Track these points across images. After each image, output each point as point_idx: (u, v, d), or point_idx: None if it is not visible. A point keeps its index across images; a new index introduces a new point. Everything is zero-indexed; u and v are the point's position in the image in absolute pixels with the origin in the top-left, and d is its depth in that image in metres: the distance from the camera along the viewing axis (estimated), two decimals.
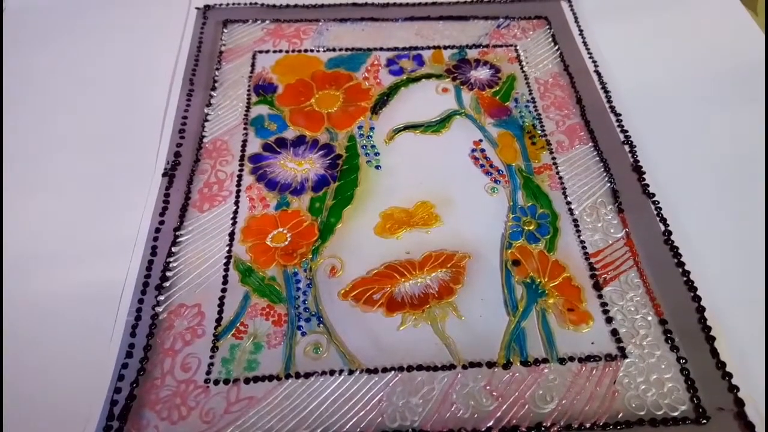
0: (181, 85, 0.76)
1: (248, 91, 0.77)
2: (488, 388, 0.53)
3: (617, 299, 0.59)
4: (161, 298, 0.57)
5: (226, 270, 0.59)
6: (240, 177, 0.67)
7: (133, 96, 0.75)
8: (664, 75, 0.80)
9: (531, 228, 0.64)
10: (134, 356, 0.53)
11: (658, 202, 0.65)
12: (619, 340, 0.56)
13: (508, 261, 0.61)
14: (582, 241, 0.63)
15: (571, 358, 0.55)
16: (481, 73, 0.80)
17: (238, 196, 0.65)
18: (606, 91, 0.77)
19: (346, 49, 0.83)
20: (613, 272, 0.61)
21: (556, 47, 0.84)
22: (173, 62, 0.79)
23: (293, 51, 0.82)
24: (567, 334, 0.56)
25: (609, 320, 0.57)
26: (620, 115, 0.74)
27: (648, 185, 0.67)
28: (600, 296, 0.59)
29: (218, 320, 0.56)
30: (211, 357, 0.54)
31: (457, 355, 0.55)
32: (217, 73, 0.79)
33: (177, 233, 0.62)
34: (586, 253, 0.62)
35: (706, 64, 0.81)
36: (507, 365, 0.54)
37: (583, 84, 0.79)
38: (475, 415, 0.51)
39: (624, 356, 0.55)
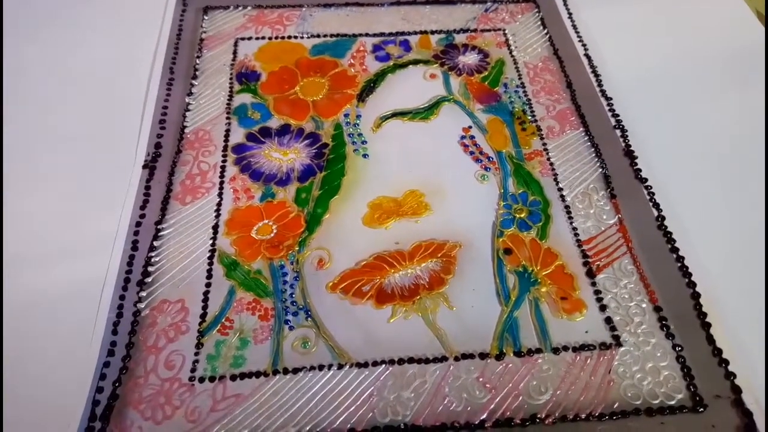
0: (160, 74, 0.74)
1: (230, 79, 0.75)
2: (481, 380, 0.52)
3: (611, 286, 0.58)
4: (143, 294, 0.56)
5: (210, 264, 0.58)
6: (223, 168, 0.66)
7: (112, 86, 0.73)
8: (656, 58, 0.79)
9: (522, 215, 0.63)
10: (116, 354, 0.52)
11: (651, 187, 0.64)
12: (613, 329, 0.55)
13: (500, 250, 0.60)
14: (574, 228, 0.62)
15: (565, 348, 0.54)
16: (470, 58, 0.79)
17: (221, 188, 0.64)
18: (596, 75, 0.76)
19: (331, 35, 0.81)
20: (606, 259, 0.60)
21: (545, 31, 0.83)
22: (152, 50, 0.77)
23: (276, 38, 0.81)
24: (560, 323, 0.55)
25: (603, 308, 0.56)
26: (611, 99, 0.73)
27: (640, 170, 0.66)
28: (593, 284, 0.58)
29: (203, 316, 0.55)
30: (196, 354, 0.52)
31: (449, 346, 0.54)
32: (198, 62, 0.77)
33: (159, 227, 0.60)
34: (578, 240, 0.61)
35: (698, 47, 0.80)
36: (500, 356, 0.53)
37: (573, 68, 0.78)
38: (469, 408, 0.50)
39: (619, 345, 0.54)
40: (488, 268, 0.59)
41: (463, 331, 0.54)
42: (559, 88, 0.76)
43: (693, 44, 0.80)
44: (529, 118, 0.72)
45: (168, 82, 0.73)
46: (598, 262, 0.59)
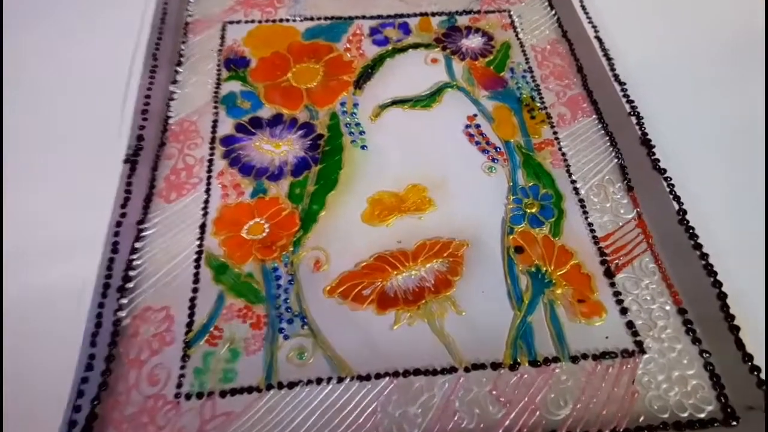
0: (143, 61, 0.69)
1: (218, 66, 0.72)
2: (494, 392, 0.48)
3: (631, 287, 0.54)
4: (124, 301, 0.52)
5: (197, 267, 0.55)
6: (211, 162, 0.63)
7: (90, 74, 0.68)
8: (672, 39, 0.75)
9: (533, 210, 0.59)
10: (95, 369, 0.48)
11: (670, 179, 0.60)
12: (635, 334, 0.52)
13: (510, 248, 0.56)
14: (590, 224, 0.59)
15: (585, 356, 0.50)
16: (473, 42, 0.75)
17: (209, 184, 0.61)
18: (608, 59, 0.71)
19: (325, 18, 0.78)
20: (625, 257, 0.56)
21: (553, 12, 0.79)
22: (134, 35, 0.72)
23: (267, 21, 0.77)
24: (578, 328, 0.52)
25: (623, 311, 0.53)
26: (625, 84, 0.68)
27: (658, 160, 0.61)
28: (612, 284, 0.55)
29: (189, 325, 0.52)
30: (182, 368, 0.49)
31: (459, 356, 0.50)
32: (183, 47, 0.74)
33: (141, 227, 0.57)
34: (594, 237, 0.58)
35: (717, 26, 0.76)
36: (514, 366, 0.49)
37: (583, 51, 0.74)
38: (482, 425, 0.47)
39: (642, 351, 0.51)
40: (498, 269, 0.55)
41: (474, 338, 0.51)
42: (570, 73, 0.73)
43: (711, 23, 0.76)
44: (538, 105, 0.69)
45: (151, 69, 0.69)
46: (616, 261, 0.56)
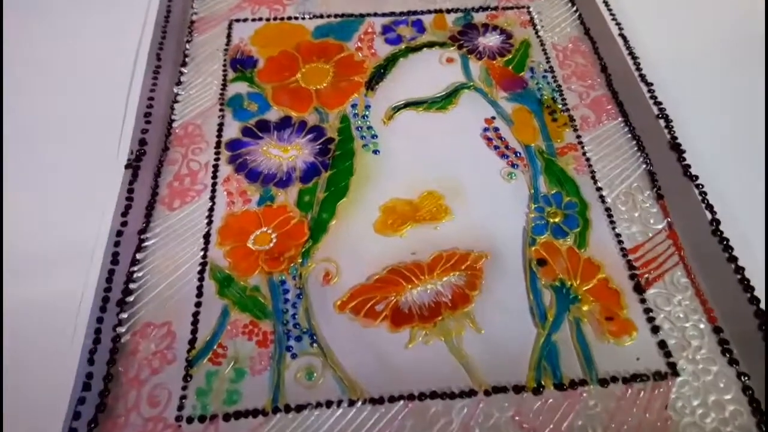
0: (146, 61, 0.67)
1: (224, 66, 0.70)
2: (517, 419, 0.45)
3: (663, 304, 0.51)
4: (124, 316, 0.50)
5: (201, 280, 0.53)
6: (216, 167, 0.61)
7: (91, 75, 0.66)
8: (700, 37, 0.71)
9: (557, 220, 0.56)
10: (92, 388, 0.46)
11: (702, 186, 0.57)
12: (668, 354, 0.49)
13: (533, 260, 0.54)
14: (617, 235, 0.56)
15: (614, 379, 0.47)
16: (491, 40, 0.73)
17: (214, 191, 0.59)
18: (634, 58, 0.68)
19: (336, 16, 0.76)
20: (656, 271, 0.53)
21: (575, 8, 0.77)
22: (137, 35, 0.70)
23: (275, 19, 0.76)
24: (607, 348, 0.49)
25: (655, 330, 0.50)
26: (652, 84, 0.65)
27: (689, 166, 0.58)
28: (643, 301, 0.52)
29: (192, 342, 0.49)
30: (184, 388, 0.47)
31: (478, 377, 0.47)
32: (188, 47, 0.72)
33: (142, 236, 0.55)
34: (623, 249, 0.55)
35: (749, 22, 0.72)
36: (538, 390, 0.46)
37: (607, 50, 0.71)
38: None
39: (675, 374, 0.47)
40: (520, 283, 0.53)
41: (494, 358, 0.48)
42: (593, 73, 0.70)
43: (743, 18, 0.73)
44: (560, 106, 0.66)
45: (154, 70, 0.67)
46: (647, 275, 0.53)
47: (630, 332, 0.49)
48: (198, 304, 0.51)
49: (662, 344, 0.49)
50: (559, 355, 0.48)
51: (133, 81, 0.65)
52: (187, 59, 0.71)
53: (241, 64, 0.70)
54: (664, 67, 0.67)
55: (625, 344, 0.49)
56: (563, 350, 0.49)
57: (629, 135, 0.63)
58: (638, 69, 0.67)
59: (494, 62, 0.70)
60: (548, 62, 0.71)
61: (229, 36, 0.73)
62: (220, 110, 0.65)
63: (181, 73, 0.69)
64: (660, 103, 0.64)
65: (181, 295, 0.52)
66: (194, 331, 0.50)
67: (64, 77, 0.66)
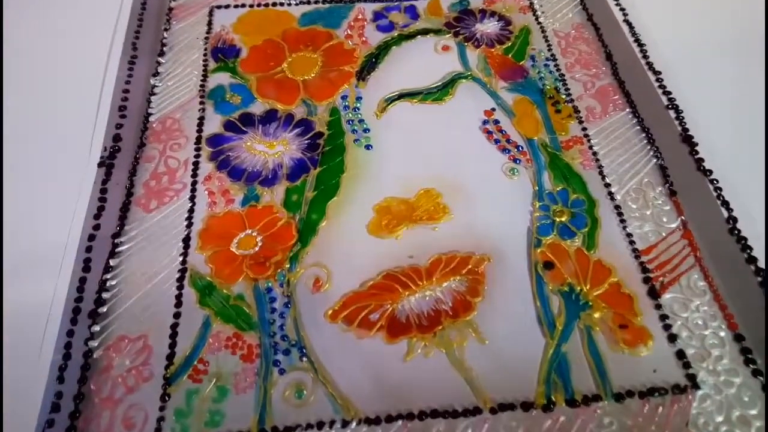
0: (121, 51, 0.65)
1: (205, 56, 0.68)
2: None
3: (680, 310, 0.48)
4: (96, 328, 0.47)
5: (180, 288, 0.50)
6: (196, 165, 0.58)
7: (62, 66, 0.64)
8: (710, 22, 0.69)
9: (563, 219, 0.54)
10: (62, 410, 0.43)
11: (717, 181, 0.54)
12: (687, 365, 0.46)
13: (539, 263, 0.51)
14: (629, 234, 0.53)
15: (630, 393, 0.44)
16: (489, 27, 0.70)
17: (194, 190, 0.56)
18: (640, 45, 0.66)
19: (324, 1, 0.74)
20: (671, 274, 0.50)
21: None
22: (112, 22, 0.68)
23: (259, 5, 0.73)
24: (621, 359, 0.46)
25: (672, 338, 0.47)
26: (660, 73, 0.63)
27: (702, 160, 0.55)
28: (658, 306, 0.49)
29: (170, 357, 0.46)
30: (162, 408, 0.44)
31: (483, 393, 0.44)
32: (165, 35, 0.69)
33: (116, 240, 0.52)
34: (635, 250, 0.52)
35: (764, 4, 0.69)
36: (548, 406, 0.43)
37: (611, 36, 0.69)
38: None
39: (695, 386, 0.44)
40: (526, 288, 0.50)
41: (499, 371, 0.45)
42: (597, 61, 0.68)
43: (755, 2, 0.70)
44: (564, 97, 0.64)
45: (130, 60, 0.65)
46: (662, 278, 0.50)
47: (645, 341, 0.46)
48: (176, 315, 0.48)
49: (680, 354, 0.46)
50: (570, 367, 0.45)
51: (107, 72, 0.63)
52: (165, 48, 0.68)
53: (222, 54, 0.68)
54: (672, 55, 0.65)
55: (641, 354, 0.46)
56: (574, 362, 0.46)
57: (638, 127, 0.61)
58: (645, 57, 0.65)
59: (493, 50, 0.68)
60: (550, 50, 0.68)
61: (210, 23, 0.71)
62: (201, 103, 0.63)
63: (159, 64, 0.66)
64: (669, 93, 0.61)
65: (158, 306, 0.49)
66: (172, 345, 0.47)
67: (32, 68, 0.64)
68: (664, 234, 0.53)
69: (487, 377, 0.45)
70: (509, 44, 0.69)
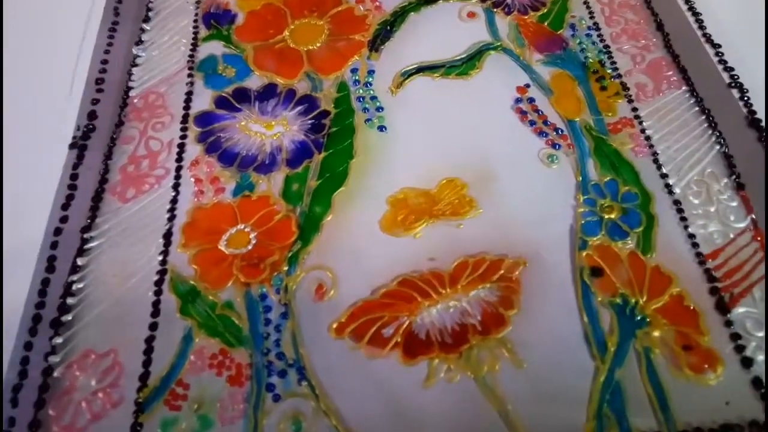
0: (101, 17, 0.63)
1: (195, 22, 0.65)
2: None
3: (754, 328, 0.43)
4: (58, 340, 0.43)
5: (158, 293, 0.46)
6: (182, 147, 0.55)
7: (33, 33, 0.62)
8: None
9: (613, 216, 0.49)
10: None
11: None
12: (765, 397, 0.40)
13: (585, 269, 0.46)
14: (691, 235, 0.48)
15: (698, 430, 0.38)
16: None
17: (178, 177, 0.53)
18: (695, 14, 0.62)
19: None
20: (742, 283, 0.45)
21: None
22: None
23: None
24: (686, 388, 0.41)
25: (747, 363, 0.41)
26: (720, 47, 0.59)
27: None
28: (728, 324, 0.43)
29: (143, 377, 0.42)
30: None
31: (520, 429, 0.39)
32: None
33: (86, 236, 0.49)
34: (699, 255, 0.47)
35: None
36: None
37: (662, 3, 0.64)
38: None
39: None
40: (570, 299, 0.45)
41: (540, 402, 0.40)
42: (647, 31, 0.63)
43: None
44: (610, 72, 0.60)
45: (110, 27, 0.63)
46: (732, 289, 0.44)
47: (715, 366, 0.41)
48: (153, 327, 0.45)
49: (757, 383, 0.40)
50: (626, 398, 0.40)
51: (85, 40, 0.61)
52: (150, 14, 0.65)
53: (215, 20, 0.65)
54: (732, 26, 0.61)
55: (710, 383, 0.41)
56: (630, 391, 0.40)
57: (697, 108, 0.56)
58: (701, 27, 0.62)
59: (526, 17, 0.64)
60: (592, 18, 0.64)
61: None
62: (189, 76, 0.60)
63: (143, 31, 0.64)
64: (731, 69, 0.58)
65: (132, 314, 0.45)
66: (147, 363, 0.43)
67: (4, 38, 0.61)
68: (732, 235, 0.47)
69: (524, 409, 0.40)
70: (545, 11, 0.65)
